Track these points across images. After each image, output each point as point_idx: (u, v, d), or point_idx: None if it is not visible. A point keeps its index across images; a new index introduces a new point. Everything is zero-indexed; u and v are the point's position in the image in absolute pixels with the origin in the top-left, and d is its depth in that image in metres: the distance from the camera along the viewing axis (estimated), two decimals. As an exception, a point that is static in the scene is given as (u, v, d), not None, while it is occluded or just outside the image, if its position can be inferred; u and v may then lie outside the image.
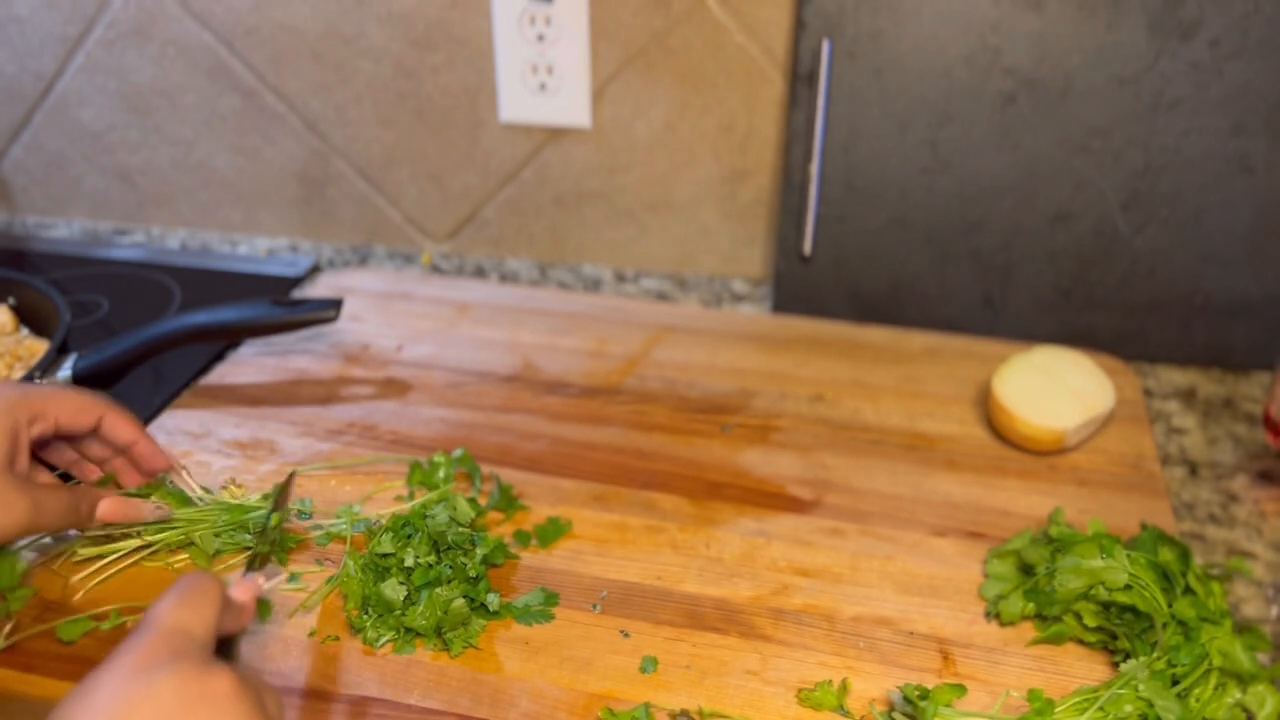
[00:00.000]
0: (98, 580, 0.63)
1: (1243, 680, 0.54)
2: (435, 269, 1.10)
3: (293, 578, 0.64)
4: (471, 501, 0.67)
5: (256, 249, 1.13)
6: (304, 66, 1.03)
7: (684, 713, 0.56)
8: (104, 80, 1.08)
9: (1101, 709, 0.52)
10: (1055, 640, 0.60)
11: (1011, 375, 0.78)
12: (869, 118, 0.90)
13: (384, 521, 0.65)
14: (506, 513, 0.70)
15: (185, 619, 0.45)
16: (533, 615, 0.61)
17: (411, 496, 0.70)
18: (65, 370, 0.75)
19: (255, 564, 0.60)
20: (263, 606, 0.61)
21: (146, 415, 0.81)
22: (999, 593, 0.63)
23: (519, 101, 1.01)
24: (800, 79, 0.90)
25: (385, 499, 0.71)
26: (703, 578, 0.65)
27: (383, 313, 0.95)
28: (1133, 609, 0.58)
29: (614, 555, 0.67)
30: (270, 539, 0.64)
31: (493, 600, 0.61)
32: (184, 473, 0.67)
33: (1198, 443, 0.83)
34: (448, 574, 0.61)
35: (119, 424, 0.63)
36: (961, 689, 0.55)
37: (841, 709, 0.56)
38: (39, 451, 0.63)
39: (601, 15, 0.96)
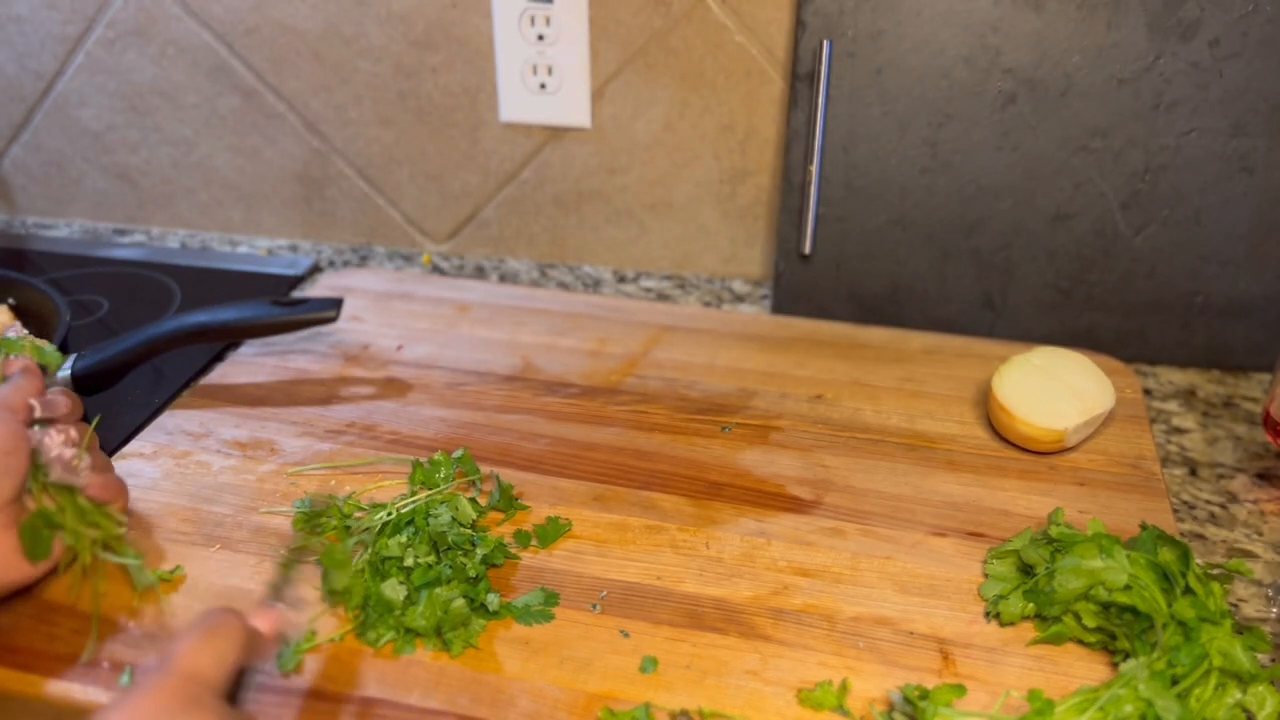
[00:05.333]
0: None
1: (1243, 680, 0.54)
2: (435, 269, 1.10)
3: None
4: (473, 502, 0.67)
5: (256, 249, 1.13)
6: (304, 66, 1.03)
7: (684, 713, 0.56)
8: (104, 80, 1.08)
9: (1101, 709, 0.52)
10: (1055, 640, 0.60)
11: (1011, 375, 0.78)
12: (869, 118, 0.90)
13: (386, 513, 0.65)
14: (506, 513, 0.70)
15: (204, 664, 0.45)
16: (533, 615, 0.61)
17: (413, 495, 0.70)
18: (65, 370, 0.75)
19: (279, 589, 0.57)
20: (285, 657, 0.57)
21: (146, 415, 0.81)
22: (999, 593, 0.63)
23: (519, 101, 1.01)
24: (800, 79, 0.90)
25: (384, 499, 0.71)
26: (703, 578, 0.65)
27: (383, 313, 0.95)
28: (1133, 609, 0.58)
29: (614, 555, 0.67)
30: (296, 559, 0.60)
31: (493, 600, 0.61)
32: None
33: (1198, 443, 0.83)
34: (448, 574, 0.61)
35: None
36: (961, 689, 0.55)
37: (841, 709, 0.56)
38: None
39: (601, 15, 0.96)
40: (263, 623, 0.51)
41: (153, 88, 1.08)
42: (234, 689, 0.47)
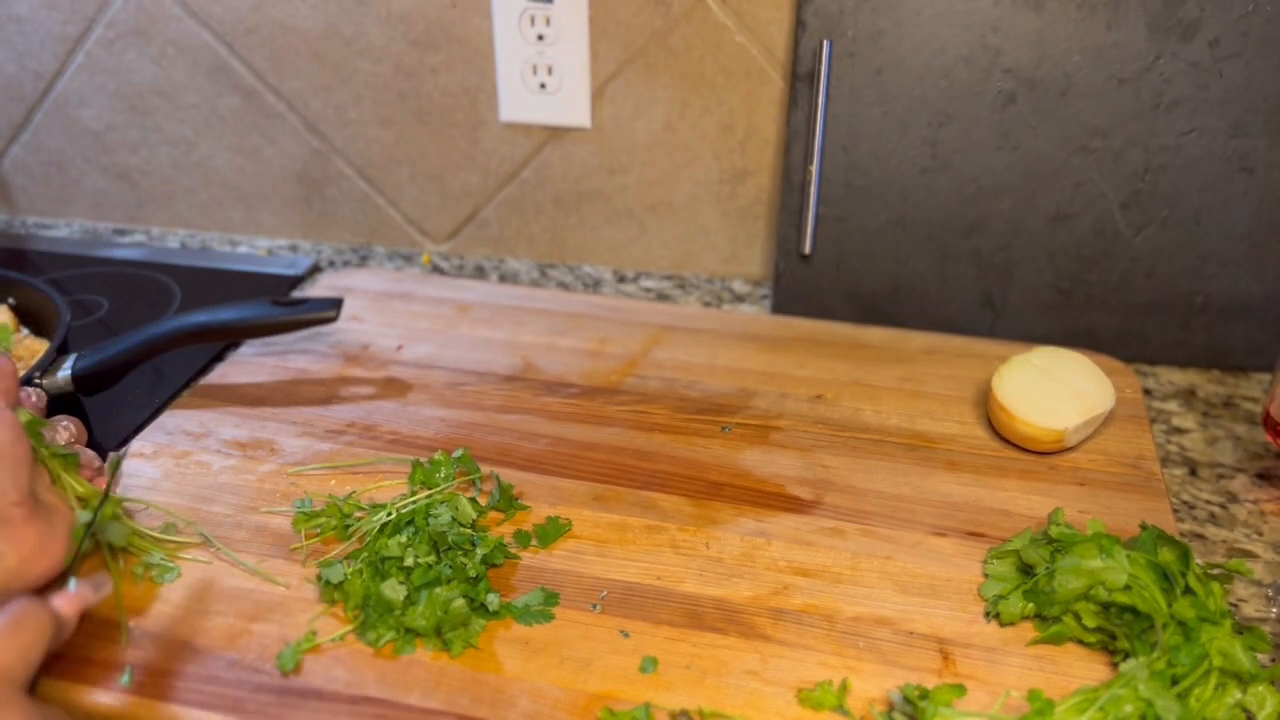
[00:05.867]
0: None
1: (1243, 680, 0.54)
2: (435, 269, 1.10)
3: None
4: (473, 501, 0.67)
5: (256, 249, 1.13)
6: (304, 66, 1.03)
7: (684, 713, 0.56)
8: (104, 80, 1.08)
9: (1101, 709, 0.52)
10: (1055, 640, 0.60)
11: (1011, 375, 0.78)
12: (869, 118, 0.90)
13: (385, 515, 0.65)
14: (506, 513, 0.70)
15: (9, 661, 0.43)
16: (533, 615, 0.61)
17: (413, 495, 0.70)
18: (65, 370, 0.75)
19: (77, 566, 0.54)
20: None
21: (146, 415, 0.81)
22: (999, 593, 0.63)
23: (519, 101, 1.01)
24: (800, 79, 0.90)
25: (384, 499, 0.71)
26: (703, 578, 0.65)
27: (383, 313, 0.95)
28: (1133, 609, 0.58)
29: (614, 555, 0.67)
30: (97, 534, 0.58)
31: (493, 600, 0.61)
32: None
33: (1198, 443, 0.83)
34: (448, 574, 0.61)
35: None
36: (961, 689, 0.55)
37: (841, 709, 0.56)
38: None
39: (601, 15, 0.96)
40: (66, 606, 0.49)
41: (153, 88, 1.08)
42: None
